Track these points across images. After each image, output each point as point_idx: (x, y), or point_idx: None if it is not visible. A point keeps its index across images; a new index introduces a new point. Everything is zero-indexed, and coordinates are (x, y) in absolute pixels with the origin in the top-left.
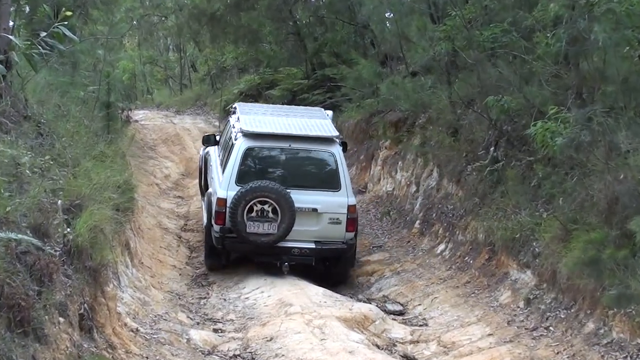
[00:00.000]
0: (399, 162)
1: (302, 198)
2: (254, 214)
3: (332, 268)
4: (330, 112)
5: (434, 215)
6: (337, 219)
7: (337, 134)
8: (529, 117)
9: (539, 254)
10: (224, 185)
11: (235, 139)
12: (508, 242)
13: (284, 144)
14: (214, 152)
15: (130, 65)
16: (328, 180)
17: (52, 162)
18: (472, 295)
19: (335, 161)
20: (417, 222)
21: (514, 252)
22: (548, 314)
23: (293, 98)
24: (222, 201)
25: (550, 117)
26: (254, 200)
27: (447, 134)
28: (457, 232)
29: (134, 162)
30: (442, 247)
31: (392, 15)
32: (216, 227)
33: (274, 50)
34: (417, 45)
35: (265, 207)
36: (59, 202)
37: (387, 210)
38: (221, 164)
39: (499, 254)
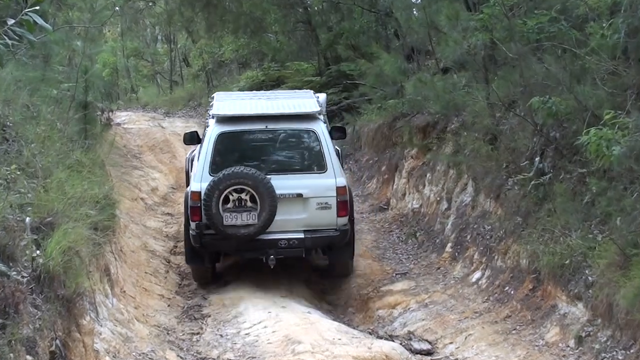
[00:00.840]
0: (428, 175)
1: (285, 183)
2: (230, 204)
3: (329, 259)
4: (322, 95)
5: (469, 237)
6: (326, 203)
7: (318, 109)
8: (581, 122)
9: (593, 284)
10: (197, 176)
11: (207, 126)
12: (556, 269)
13: (260, 126)
14: (198, 151)
15: (112, 59)
16: (312, 161)
17: (19, 173)
18: (514, 331)
19: (318, 139)
20: (449, 245)
21: (562, 281)
22: (603, 354)
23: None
24: (196, 194)
25: (606, 122)
26: (229, 189)
27: (484, 141)
28: (496, 257)
29: (115, 172)
30: (477, 274)
31: (419, 1)
32: (192, 224)
33: (280, 42)
34: (448, 37)
35: (242, 195)
36: (27, 219)
37: (412, 231)
38: (198, 158)
39: (545, 283)
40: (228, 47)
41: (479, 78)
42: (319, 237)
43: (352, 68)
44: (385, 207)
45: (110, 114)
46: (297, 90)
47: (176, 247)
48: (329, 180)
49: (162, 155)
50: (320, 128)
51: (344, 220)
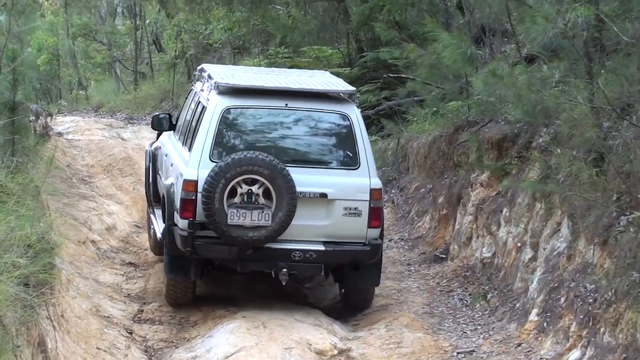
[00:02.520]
0: (504, 210)
1: (305, 179)
2: (237, 198)
3: (347, 284)
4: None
5: (563, 300)
6: (356, 208)
7: (353, 89)
8: None
9: None
10: (193, 162)
11: (208, 100)
12: None
13: (278, 103)
14: (168, 140)
15: (51, 39)
16: (341, 154)
17: None
18: None
19: (351, 127)
20: (534, 311)
21: None
22: None
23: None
24: (190, 184)
25: None
26: (239, 179)
27: (586, 162)
28: (602, 330)
29: (55, 204)
30: (576, 354)
31: None
32: (182, 223)
33: (293, 18)
34: (535, 12)
35: (254, 188)
36: None
37: (482, 290)
38: (184, 144)
39: None
40: (218, 25)
41: (578, 71)
42: (343, 252)
43: (397, 55)
44: (443, 256)
45: (49, 119)
46: (311, 70)
47: (142, 311)
48: (361, 180)
49: (123, 180)
50: (355, 113)
51: (375, 232)
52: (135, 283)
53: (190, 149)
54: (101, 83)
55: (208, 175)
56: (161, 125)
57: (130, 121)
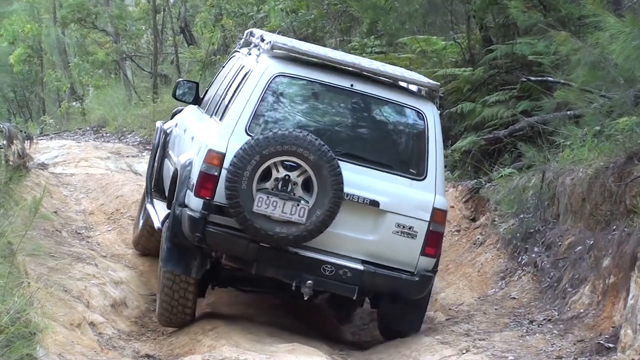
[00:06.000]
0: None
1: (355, 179)
2: (270, 183)
3: (382, 314)
4: None
5: None
6: (411, 228)
7: (437, 83)
8: None
9: None
10: (224, 132)
11: (257, 63)
12: None
13: (343, 82)
14: (190, 115)
15: (31, 27)
16: (407, 159)
17: None
18: None
19: (425, 128)
20: None
21: None
22: None
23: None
24: (215, 157)
25: None
26: (276, 159)
27: None
28: None
29: (36, 268)
30: None
31: None
32: (195, 202)
33: None
34: None
35: (293, 175)
36: None
37: None
38: (215, 114)
39: None
40: (276, 5)
41: None
42: (384, 277)
43: (541, 49)
44: (610, 345)
45: (27, 144)
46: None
47: None
48: (425, 195)
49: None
50: (433, 113)
51: (429, 262)
52: None
53: (222, 119)
54: (104, 91)
55: (240, 148)
56: (184, 95)
57: (147, 146)
